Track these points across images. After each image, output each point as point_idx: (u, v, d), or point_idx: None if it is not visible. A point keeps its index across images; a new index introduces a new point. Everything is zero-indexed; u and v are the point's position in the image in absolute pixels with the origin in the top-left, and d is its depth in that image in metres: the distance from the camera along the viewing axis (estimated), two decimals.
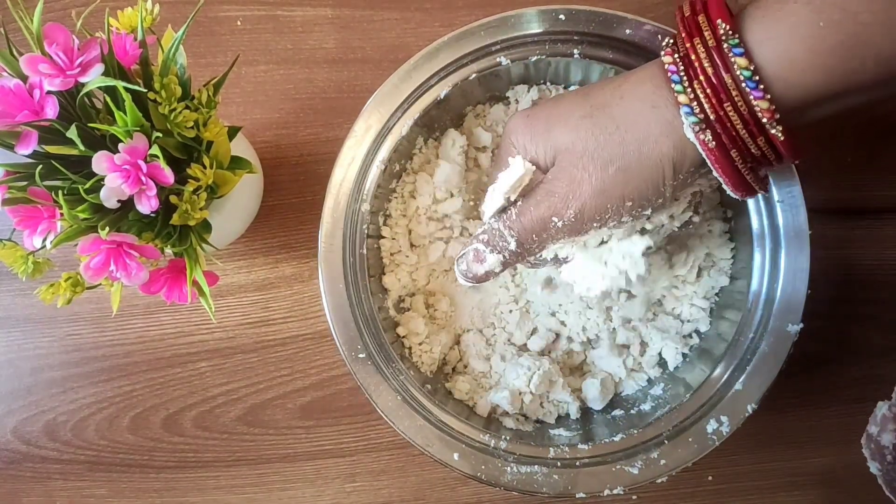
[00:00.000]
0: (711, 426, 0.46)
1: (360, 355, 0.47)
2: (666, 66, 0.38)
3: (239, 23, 0.58)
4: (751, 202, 0.48)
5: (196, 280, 0.42)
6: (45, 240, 0.38)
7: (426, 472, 0.57)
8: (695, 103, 0.36)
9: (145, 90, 0.38)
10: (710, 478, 0.57)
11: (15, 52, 0.37)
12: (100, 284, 0.39)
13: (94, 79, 0.36)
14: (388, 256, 0.52)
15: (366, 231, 0.49)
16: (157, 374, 0.57)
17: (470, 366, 0.52)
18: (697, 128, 0.37)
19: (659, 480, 0.46)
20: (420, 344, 0.51)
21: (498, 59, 0.48)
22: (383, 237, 0.52)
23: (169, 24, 0.43)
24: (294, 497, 0.57)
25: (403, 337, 0.51)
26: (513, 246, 0.42)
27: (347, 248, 0.48)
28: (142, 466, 0.57)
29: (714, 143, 0.37)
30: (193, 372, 0.57)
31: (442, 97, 0.49)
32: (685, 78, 0.37)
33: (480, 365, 0.52)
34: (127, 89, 0.36)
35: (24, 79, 0.36)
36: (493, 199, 0.42)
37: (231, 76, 0.42)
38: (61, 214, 0.37)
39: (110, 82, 0.36)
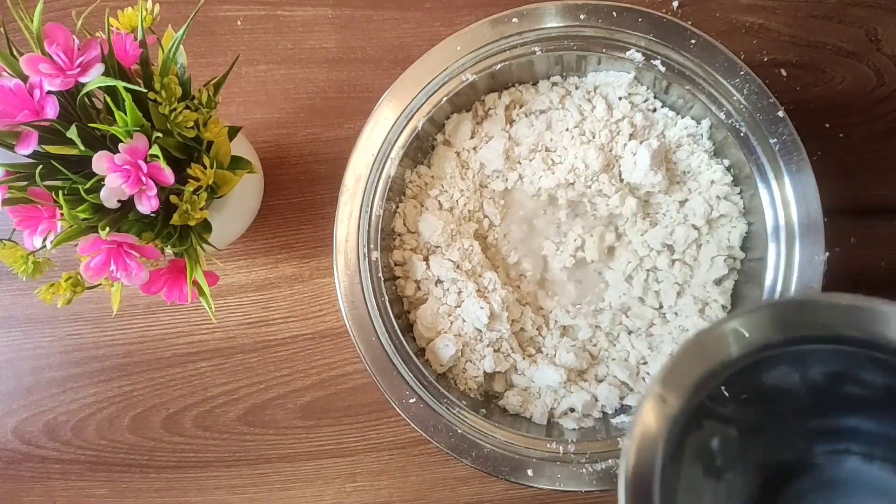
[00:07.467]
0: None
1: (411, 400, 0.48)
2: None
3: (239, 23, 0.58)
4: (764, 195, 0.48)
5: (196, 280, 0.42)
6: (45, 240, 0.38)
7: (426, 472, 0.57)
8: None
9: (145, 90, 0.38)
10: None
11: (15, 52, 0.37)
12: (100, 284, 0.39)
13: (94, 79, 0.36)
14: (407, 298, 0.53)
15: (381, 277, 0.49)
16: (158, 374, 0.57)
17: (510, 380, 0.53)
18: None
19: None
20: (463, 371, 0.51)
21: (493, 65, 0.49)
22: (398, 277, 0.53)
23: (169, 24, 0.43)
24: (294, 497, 0.57)
25: (446, 370, 0.51)
26: None
27: (369, 302, 0.49)
28: (142, 466, 0.57)
29: None
30: (193, 372, 0.57)
31: (420, 128, 0.50)
32: None
33: (520, 380, 0.52)
34: (127, 89, 0.36)
35: (24, 79, 0.36)
36: None
37: (231, 76, 0.42)
38: (61, 214, 0.37)
39: (110, 82, 0.36)
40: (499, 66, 0.50)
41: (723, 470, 0.35)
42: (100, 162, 0.36)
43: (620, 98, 0.52)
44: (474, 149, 0.53)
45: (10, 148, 0.37)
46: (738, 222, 0.51)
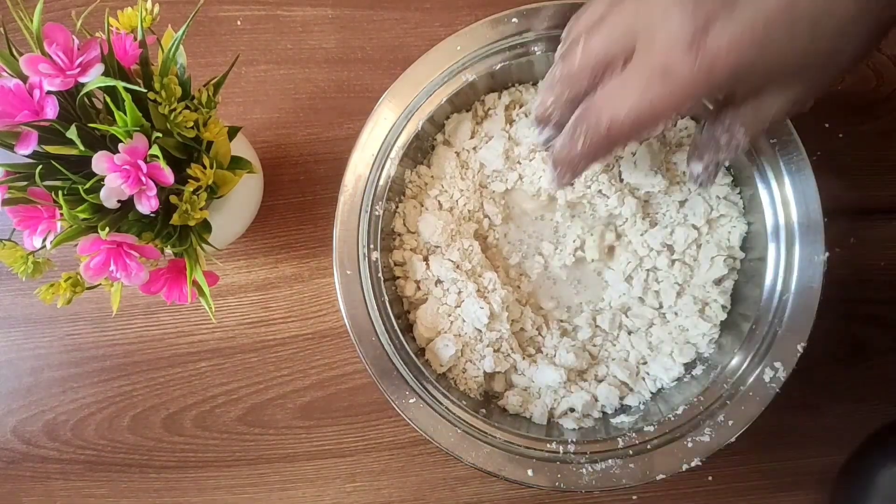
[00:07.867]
0: (768, 375, 0.46)
1: (411, 400, 0.48)
2: None
3: (239, 23, 0.58)
4: (764, 195, 0.48)
5: (196, 280, 0.42)
6: (45, 240, 0.38)
7: (426, 472, 0.57)
8: None
9: (145, 90, 0.38)
10: (710, 478, 0.57)
11: (15, 52, 0.37)
12: (100, 284, 0.39)
13: (94, 79, 0.36)
14: (407, 298, 0.52)
15: (381, 277, 0.49)
16: (157, 374, 0.57)
17: (510, 380, 0.53)
18: None
19: (732, 440, 0.46)
20: (463, 371, 0.51)
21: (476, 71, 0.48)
22: (398, 277, 0.52)
23: (169, 24, 0.43)
24: (294, 497, 0.57)
25: (446, 370, 0.51)
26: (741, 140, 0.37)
27: (369, 302, 0.48)
28: (142, 466, 0.57)
29: None
30: (193, 372, 0.57)
31: (420, 128, 0.50)
32: None
33: (520, 380, 0.52)
34: (127, 89, 0.36)
35: (24, 79, 0.36)
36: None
37: (231, 76, 0.42)
38: (61, 214, 0.37)
39: (110, 82, 0.36)
40: (499, 66, 0.50)
41: None
42: (100, 162, 0.36)
43: None
44: (474, 149, 0.53)
45: (10, 148, 0.37)
46: (738, 222, 0.51)
